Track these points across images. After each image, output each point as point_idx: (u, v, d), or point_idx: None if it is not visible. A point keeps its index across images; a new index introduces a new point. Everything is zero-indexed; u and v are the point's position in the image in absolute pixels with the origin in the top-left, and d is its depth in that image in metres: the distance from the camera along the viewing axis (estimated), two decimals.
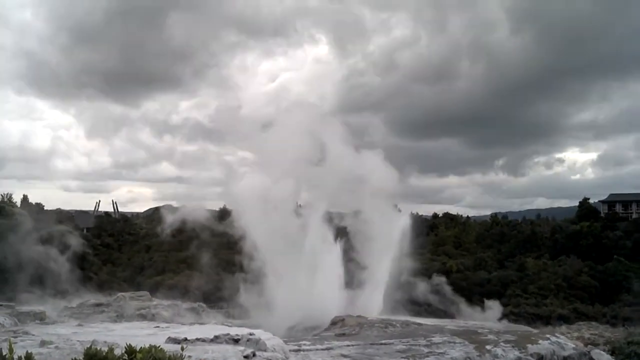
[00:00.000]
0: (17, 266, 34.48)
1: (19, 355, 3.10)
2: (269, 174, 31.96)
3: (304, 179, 31.96)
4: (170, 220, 43.75)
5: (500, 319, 33.14)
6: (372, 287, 29.25)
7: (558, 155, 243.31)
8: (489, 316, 33.48)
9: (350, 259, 30.26)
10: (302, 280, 28.06)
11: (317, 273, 28.35)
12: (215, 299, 36.03)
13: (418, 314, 31.76)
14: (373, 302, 28.49)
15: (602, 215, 62.13)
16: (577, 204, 64.15)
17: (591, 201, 64.46)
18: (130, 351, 3.23)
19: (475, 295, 38.18)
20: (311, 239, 29.50)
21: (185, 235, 47.84)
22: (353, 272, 29.83)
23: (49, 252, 37.07)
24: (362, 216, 31.74)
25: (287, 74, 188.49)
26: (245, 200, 31.40)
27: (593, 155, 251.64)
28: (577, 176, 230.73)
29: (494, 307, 34.37)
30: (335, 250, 29.70)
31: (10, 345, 3.11)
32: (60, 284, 35.43)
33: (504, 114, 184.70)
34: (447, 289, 35.49)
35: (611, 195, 76.54)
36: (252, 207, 30.63)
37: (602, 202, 71.11)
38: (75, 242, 40.61)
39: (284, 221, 29.78)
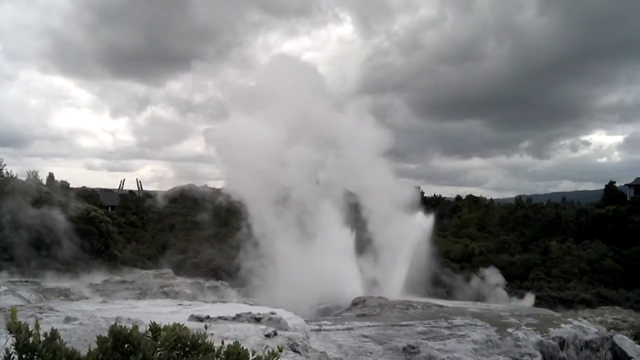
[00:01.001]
0: (41, 244, 35.01)
1: (45, 331, 3.12)
2: (254, 120, 31.17)
3: (291, 131, 30.79)
4: (161, 200, 43.90)
5: (498, 286, 33.43)
6: (388, 267, 29.10)
7: (584, 138, 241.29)
8: (490, 283, 33.77)
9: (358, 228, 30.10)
10: (301, 250, 27.99)
11: (318, 243, 28.31)
12: (229, 276, 36.14)
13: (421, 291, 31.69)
14: (391, 282, 28.43)
15: (628, 199, 61.33)
16: (603, 187, 63.49)
17: (617, 184, 63.77)
18: (155, 329, 3.24)
19: None
20: (299, 192, 29.31)
21: (204, 216, 48.38)
22: (362, 244, 29.82)
23: (74, 229, 37.63)
24: (356, 182, 31.26)
25: (310, 54, 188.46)
26: (229, 143, 30.80)
27: (619, 138, 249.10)
28: (604, 159, 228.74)
29: (492, 275, 34.66)
30: (332, 216, 29.48)
31: (36, 322, 3.13)
32: (84, 261, 35.93)
33: (530, 96, 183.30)
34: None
35: (638, 179, 75.36)
36: (237, 151, 30.16)
37: (629, 185, 70.05)
38: (101, 220, 41.16)
39: (271, 174, 29.32)
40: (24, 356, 3.02)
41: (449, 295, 33.48)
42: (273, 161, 29.71)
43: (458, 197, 74.60)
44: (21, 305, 14.85)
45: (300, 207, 29.20)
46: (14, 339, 3.05)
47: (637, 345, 20.39)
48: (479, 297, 34.23)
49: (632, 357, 18.99)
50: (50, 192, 39.24)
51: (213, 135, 33.49)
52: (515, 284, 41.31)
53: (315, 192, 29.99)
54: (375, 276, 28.83)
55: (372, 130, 31.36)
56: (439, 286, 35.06)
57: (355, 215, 30.71)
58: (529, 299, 34.87)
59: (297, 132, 30.59)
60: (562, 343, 17.40)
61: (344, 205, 30.28)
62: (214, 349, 3.26)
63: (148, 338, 3.25)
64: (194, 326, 3.81)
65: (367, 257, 29.73)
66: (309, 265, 27.22)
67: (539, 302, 34.84)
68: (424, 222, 31.45)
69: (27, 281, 24.19)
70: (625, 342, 20.02)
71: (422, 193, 62.96)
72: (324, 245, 28.14)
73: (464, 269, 39.81)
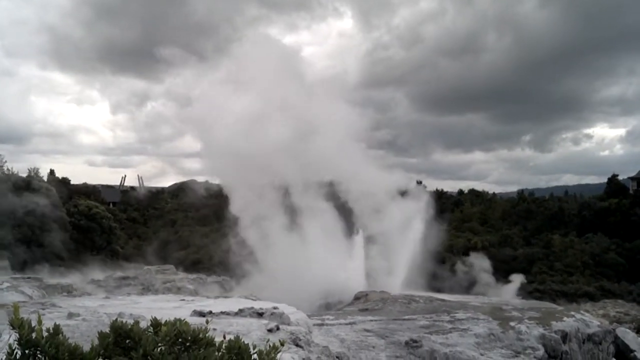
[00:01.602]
0: (43, 240, 35.00)
1: (47, 327, 3.12)
2: (230, 100, 30.40)
3: (266, 111, 29.97)
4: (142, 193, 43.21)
5: (485, 272, 33.43)
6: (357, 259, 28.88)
7: (586, 131, 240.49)
8: (476, 270, 33.83)
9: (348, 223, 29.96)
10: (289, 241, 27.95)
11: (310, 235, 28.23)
12: (230, 271, 35.94)
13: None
14: (388, 274, 28.27)
15: (631, 192, 61.19)
16: (605, 180, 63.33)
17: (620, 178, 63.53)
18: (156, 324, 3.24)
19: (500, 272, 37.93)
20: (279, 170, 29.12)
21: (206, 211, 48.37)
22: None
23: (76, 226, 37.62)
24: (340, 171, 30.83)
25: (310, 48, 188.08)
26: (208, 116, 30.27)
27: (622, 131, 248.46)
28: (606, 152, 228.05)
29: (476, 261, 34.79)
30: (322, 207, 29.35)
31: (39, 317, 3.13)
32: (86, 257, 35.96)
33: (531, 89, 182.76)
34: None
35: None
36: (216, 126, 29.50)
37: (631, 178, 69.88)
38: (103, 216, 41.22)
39: (251, 157, 28.76)
40: (27, 351, 3.02)
41: (441, 285, 33.26)
42: (251, 140, 29.14)
43: (460, 192, 74.57)
44: (24, 302, 14.88)
45: (286, 193, 29.19)
46: (17, 334, 3.05)
47: None
48: (469, 285, 34.23)
49: (634, 350, 19.01)
50: (52, 189, 39.25)
51: (188, 117, 33.11)
52: None
53: (298, 175, 29.71)
54: (367, 267, 28.51)
55: (346, 114, 31.10)
56: (433, 278, 34.95)
57: (341, 205, 30.46)
58: (517, 280, 34.83)
59: (272, 112, 29.93)
60: (565, 336, 17.42)
61: (329, 194, 30.13)
62: (215, 344, 3.27)
63: (149, 333, 3.25)
64: (197, 321, 3.82)
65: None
66: (305, 259, 27.14)
67: (541, 296, 34.80)
68: (419, 211, 31.01)
69: (29, 277, 24.19)
70: (627, 335, 20.04)
71: (424, 187, 62.84)
72: (317, 237, 28.02)
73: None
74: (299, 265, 26.86)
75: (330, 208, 29.62)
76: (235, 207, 29.50)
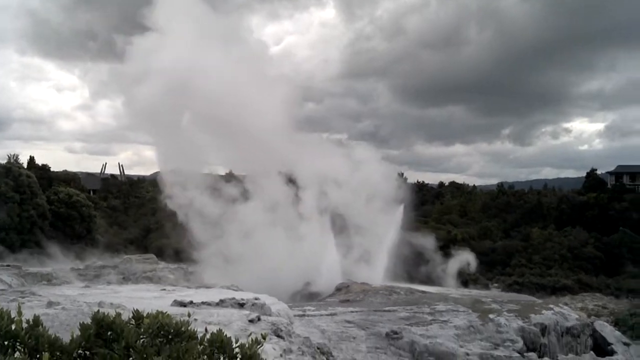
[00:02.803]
0: (24, 226, 34.64)
1: (27, 317, 3.08)
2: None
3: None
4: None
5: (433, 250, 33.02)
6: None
7: (565, 125, 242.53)
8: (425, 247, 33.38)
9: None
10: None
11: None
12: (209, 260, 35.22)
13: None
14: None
15: (609, 186, 61.89)
16: (584, 174, 64.06)
17: (598, 172, 64.28)
18: (138, 316, 3.20)
19: (480, 264, 38.06)
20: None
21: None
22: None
23: (56, 213, 37.24)
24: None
25: (292, 38, 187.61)
26: (134, 73, 28.04)
27: (600, 126, 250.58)
28: (585, 146, 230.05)
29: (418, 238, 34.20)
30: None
31: (19, 309, 3.08)
32: (65, 245, 35.63)
33: (511, 82, 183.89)
34: None
35: (619, 166, 76.12)
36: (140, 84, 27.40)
37: (610, 173, 70.77)
38: (83, 204, 40.86)
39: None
40: (5, 343, 2.98)
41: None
42: (174, 103, 27.74)
43: (441, 184, 75.07)
44: (2, 290, 14.74)
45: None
46: None
47: (617, 332, 20.68)
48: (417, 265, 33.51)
49: (612, 343, 19.23)
50: (32, 176, 38.81)
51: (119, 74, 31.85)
52: (497, 270, 41.65)
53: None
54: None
55: (268, 89, 29.92)
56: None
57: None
58: (462, 256, 34.55)
59: (195, 76, 27.75)
60: (544, 329, 17.58)
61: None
62: (197, 336, 3.24)
63: (131, 325, 3.22)
64: (177, 311, 3.80)
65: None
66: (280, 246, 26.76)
67: (520, 289, 34.99)
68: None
69: (8, 265, 23.95)
70: (605, 328, 20.28)
71: (406, 179, 63.13)
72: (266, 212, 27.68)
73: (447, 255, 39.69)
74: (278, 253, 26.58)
75: (277, 183, 29.22)
76: (166, 180, 29.12)
